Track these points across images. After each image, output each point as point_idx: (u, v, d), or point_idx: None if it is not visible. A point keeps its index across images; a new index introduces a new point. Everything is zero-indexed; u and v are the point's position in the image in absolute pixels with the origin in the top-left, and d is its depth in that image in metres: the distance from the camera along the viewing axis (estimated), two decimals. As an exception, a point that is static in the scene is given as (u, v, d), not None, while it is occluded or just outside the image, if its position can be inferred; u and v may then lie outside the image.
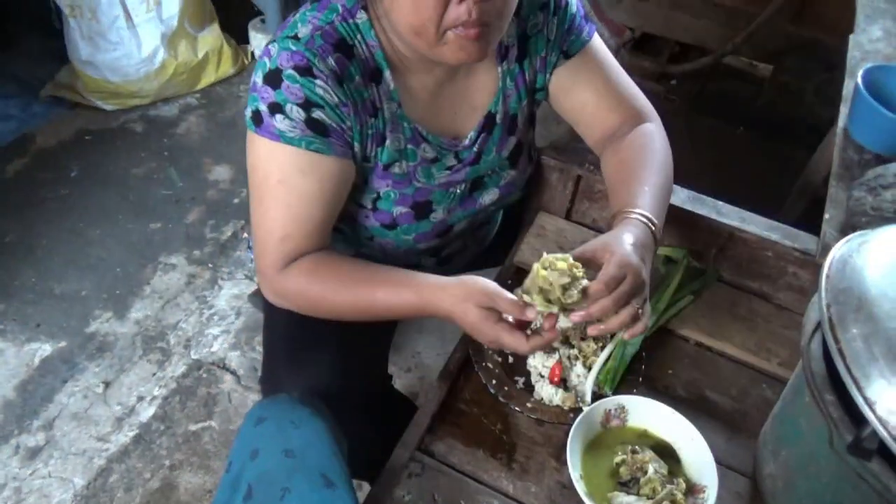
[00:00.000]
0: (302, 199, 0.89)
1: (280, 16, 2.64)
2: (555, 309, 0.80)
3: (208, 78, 2.56)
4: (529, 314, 0.80)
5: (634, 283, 0.81)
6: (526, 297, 0.81)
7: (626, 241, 0.85)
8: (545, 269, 0.80)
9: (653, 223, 0.89)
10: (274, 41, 0.88)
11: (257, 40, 2.70)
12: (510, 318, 0.82)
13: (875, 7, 1.61)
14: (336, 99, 0.87)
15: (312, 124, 0.87)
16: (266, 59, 0.87)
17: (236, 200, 2.18)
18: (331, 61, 0.86)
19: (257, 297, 1.74)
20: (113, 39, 2.27)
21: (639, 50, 2.83)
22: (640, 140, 1.02)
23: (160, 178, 2.23)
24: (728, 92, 2.82)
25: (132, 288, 1.90)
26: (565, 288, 0.79)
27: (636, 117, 1.05)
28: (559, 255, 0.81)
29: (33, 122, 2.35)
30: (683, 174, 1.08)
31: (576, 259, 0.81)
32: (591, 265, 0.83)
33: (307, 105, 0.86)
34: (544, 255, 0.81)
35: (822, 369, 0.73)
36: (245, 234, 2.07)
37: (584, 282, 0.80)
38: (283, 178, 0.89)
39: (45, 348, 1.74)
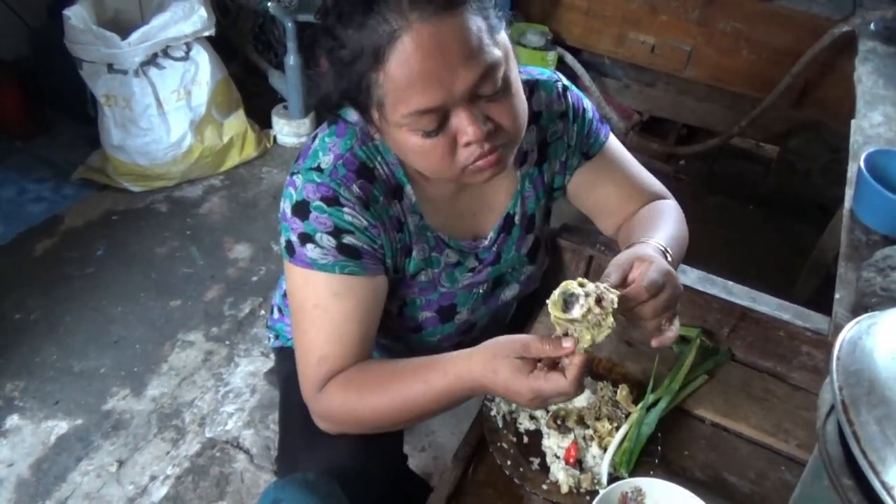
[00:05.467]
0: (338, 319, 0.89)
1: (302, 103, 2.77)
2: (591, 336, 0.75)
3: (232, 161, 2.66)
4: (567, 344, 0.75)
5: (675, 292, 0.80)
6: (559, 331, 0.76)
7: (655, 251, 0.85)
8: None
9: (669, 254, 0.90)
10: (297, 172, 0.90)
11: (279, 125, 2.83)
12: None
13: (874, 94, 1.67)
14: (365, 223, 0.88)
15: (344, 249, 0.88)
16: (292, 191, 0.89)
17: (255, 278, 2.22)
18: (355, 188, 0.88)
19: (273, 374, 1.75)
20: (144, 126, 2.39)
21: (647, 132, 2.92)
22: (656, 207, 1.07)
23: (182, 257, 2.29)
24: (736, 171, 2.88)
25: (150, 365, 1.92)
26: (599, 299, 0.74)
27: (654, 198, 1.09)
28: (580, 280, 0.76)
29: (63, 203, 2.44)
30: (695, 252, 1.11)
31: (610, 285, 0.78)
32: (623, 286, 0.80)
33: (337, 232, 0.87)
34: (563, 285, 0.76)
35: (839, 452, 0.72)
36: (262, 312, 2.10)
37: (615, 296, 0.75)
38: (319, 303, 0.89)
39: (61, 426, 1.75)
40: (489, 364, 0.79)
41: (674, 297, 0.81)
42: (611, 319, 0.75)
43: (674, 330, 0.83)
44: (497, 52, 0.77)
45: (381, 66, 0.74)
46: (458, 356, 0.83)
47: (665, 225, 0.99)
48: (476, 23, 0.75)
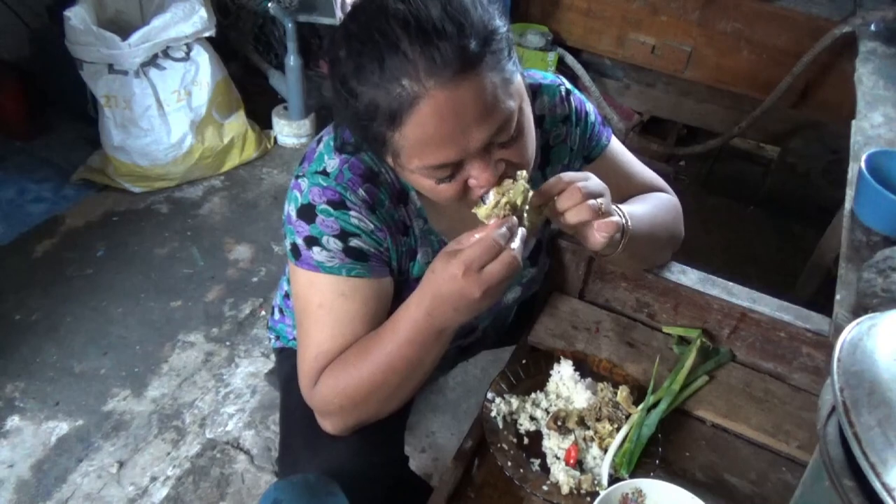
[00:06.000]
0: (342, 318, 0.89)
1: (302, 103, 2.77)
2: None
3: (232, 161, 2.66)
4: (491, 221, 0.78)
5: (597, 183, 0.83)
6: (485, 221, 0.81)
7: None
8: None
9: (625, 215, 0.91)
10: (303, 175, 0.89)
11: (280, 126, 2.83)
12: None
13: (875, 94, 1.67)
14: (371, 226, 0.89)
15: (351, 252, 0.88)
16: (297, 194, 0.89)
17: (255, 279, 2.22)
18: (361, 192, 0.88)
19: (274, 375, 1.75)
20: (144, 127, 2.39)
21: (647, 133, 2.91)
22: (647, 194, 1.08)
23: (182, 258, 2.29)
24: (737, 172, 2.88)
25: (150, 366, 1.92)
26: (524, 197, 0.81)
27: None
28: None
29: (63, 204, 2.44)
30: (695, 253, 1.11)
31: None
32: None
33: (344, 235, 0.87)
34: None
35: (840, 454, 0.72)
36: (263, 312, 2.10)
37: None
38: (324, 302, 0.89)
39: (62, 427, 1.75)
40: (428, 273, 0.80)
41: (597, 186, 0.83)
42: (522, 185, 0.81)
43: (613, 217, 0.84)
44: (511, 105, 0.77)
45: (396, 128, 0.74)
46: (412, 295, 0.84)
47: (642, 203, 1.00)
48: (492, 79, 0.74)
